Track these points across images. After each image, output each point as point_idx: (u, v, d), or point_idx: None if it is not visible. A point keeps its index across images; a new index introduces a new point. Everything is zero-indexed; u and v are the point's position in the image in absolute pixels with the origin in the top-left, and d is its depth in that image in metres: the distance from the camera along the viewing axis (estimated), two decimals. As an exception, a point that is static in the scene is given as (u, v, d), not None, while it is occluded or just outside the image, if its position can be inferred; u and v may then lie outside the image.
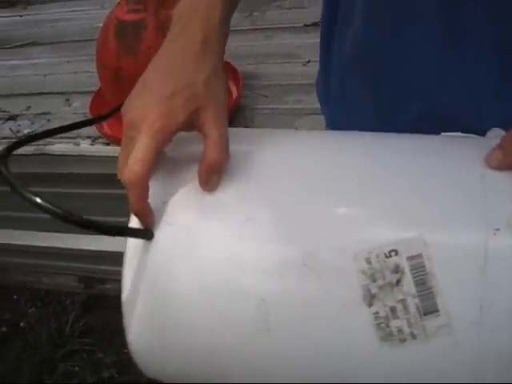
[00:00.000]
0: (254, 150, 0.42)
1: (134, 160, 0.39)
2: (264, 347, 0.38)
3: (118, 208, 1.26)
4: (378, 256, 0.35)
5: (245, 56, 1.22)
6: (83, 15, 1.50)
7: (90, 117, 1.12)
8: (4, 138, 1.18)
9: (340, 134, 0.48)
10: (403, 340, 0.35)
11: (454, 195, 0.37)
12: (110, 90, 1.06)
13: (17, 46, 1.45)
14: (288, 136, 0.47)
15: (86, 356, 1.41)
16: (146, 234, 0.40)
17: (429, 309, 0.34)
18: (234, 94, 1.11)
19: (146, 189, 0.40)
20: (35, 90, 1.28)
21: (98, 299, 1.50)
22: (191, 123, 0.41)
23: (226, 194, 0.40)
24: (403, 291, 0.35)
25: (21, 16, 1.57)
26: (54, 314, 1.51)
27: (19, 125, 1.20)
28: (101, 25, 1.07)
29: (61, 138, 1.13)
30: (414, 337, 0.35)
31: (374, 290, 0.35)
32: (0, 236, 1.45)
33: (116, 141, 1.07)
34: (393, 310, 0.35)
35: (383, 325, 0.35)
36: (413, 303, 0.35)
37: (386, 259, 0.35)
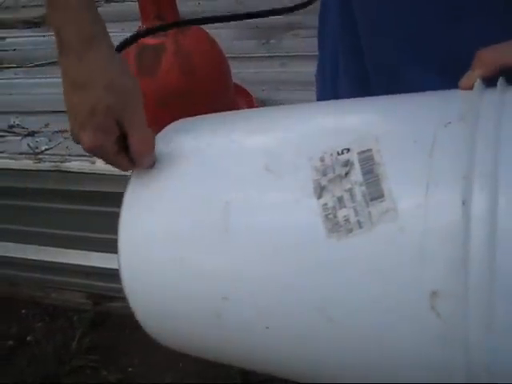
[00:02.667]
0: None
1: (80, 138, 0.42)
2: (225, 246, 0.40)
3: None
4: (331, 154, 0.38)
5: (260, 82, 1.25)
6: (104, 37, 1.53)
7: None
8: (21, 153, 1.20)
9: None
10: (350, 230, 0.36)
11: (407, 102, 0.40)
12: (128, 111, 1.09)
13: (38, 65, 1.48)
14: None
15: (90, 373, 1.41)
16: None
17: (374, 195, 0.36)
18: (248, 119, 1.14)
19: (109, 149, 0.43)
20: (54, 108, 1.31)
21: (106, 317, 1.50)
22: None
23: None
24: (351, 181, 0.36)
25: (44, 36, 1.60)
26: (61, 330, 1.52)
27: (37, 141, 1.23)
28: (121, 47, 1.10)
29: (77, 155, 1.16)
30: (360, 225, 0.35)
31: (323, 183, 0.37)
32: (11, 250, 1.47)
33: (131, 160, 1.09)
34: (340, 199, 0.36)
35: (331, 215, 0.36)
36: (359, 191, 0.36)
37: (338, 156, 0.37)
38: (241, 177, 0.41)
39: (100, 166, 1.13)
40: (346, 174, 0.37)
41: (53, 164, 1.16)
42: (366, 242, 0.35)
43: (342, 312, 0.37)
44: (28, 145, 1.22)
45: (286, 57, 1.33)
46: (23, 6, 1.76)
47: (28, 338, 1.52)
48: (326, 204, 0.36)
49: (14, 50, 1.58)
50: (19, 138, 1.25)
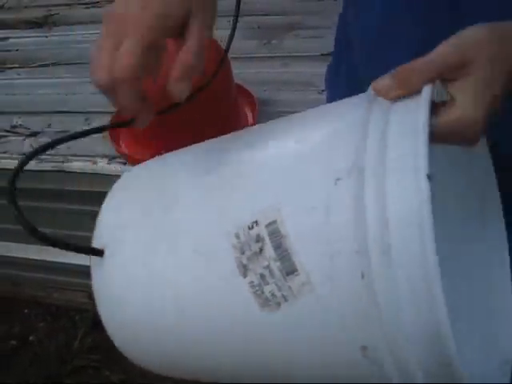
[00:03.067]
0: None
1: (124, 54, 0.39)
2: (178, 328, 0.42)
3: None
4: (244, 230, 0.38)
5: (261, 83, 1.25)
6: (106, 38, 1.54)
7: (107, 137, 1.15)
8: (24, 153, 1.21)
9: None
10: (278, 304, 0.37)
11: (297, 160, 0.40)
12: (129, 111, 1.09)
13: (40, 66, 1.49)
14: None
15: (92, 372, 1.42)
16: (97, 251, 0.44)
17: (289, 269, 0.36)
18: (250, 120, 1.14)
19: (137, 84, 0.41)
20: (56, 109, 1.32)
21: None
22: (182, 24, 0.41)
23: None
24: (266, 257, 0.37)
25: (46, 37, 1.61)
26: (63, 330, 1.53)
27: (39, 141, 1.23)
28: (123, 48, 1.10)
29: (79, 156, 1.16)
30: (285, 298, 0.37)
31: (244, 262, 0.38)
32: (13, 250, 1.48)
33: (133, 161, 1.10)
34: (262, 276, 0.37)
35: (259, 292, 0.37)
36: (275, 267, 0.37)
37: (250, 231, 0.38)
38: (175, 263, 0.42)
39: (102, 166, 1.13)
40: (261, 250, 0.37)
41: (55, 164, 1.16)
42: (294, 313, 0.37)
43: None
44: (30, 145, 1.22)
45: (287, 57, 1.33)
46: (26, 7, 1.77)
47: (30, 338, 1.52)
48: (252, 282, 0.38)
49: (17, 50, 1.58)
50: (22, 138, 1.26)
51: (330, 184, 0.36)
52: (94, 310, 1.51)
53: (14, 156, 1.20)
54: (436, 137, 0.36)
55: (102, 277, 0.45)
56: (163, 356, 0.45)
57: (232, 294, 0.39)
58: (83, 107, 1.30)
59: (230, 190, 0.42)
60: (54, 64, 1.49)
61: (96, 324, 1.51)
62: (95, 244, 0.46)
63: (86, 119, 1.26)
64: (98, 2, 1.71)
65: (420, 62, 0.38)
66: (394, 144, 0.34)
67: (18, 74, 1.47)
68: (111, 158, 1.13)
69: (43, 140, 1.23)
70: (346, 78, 0.67)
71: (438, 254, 0.31)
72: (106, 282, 0.45)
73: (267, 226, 0.37)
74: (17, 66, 1.51)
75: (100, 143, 1.17)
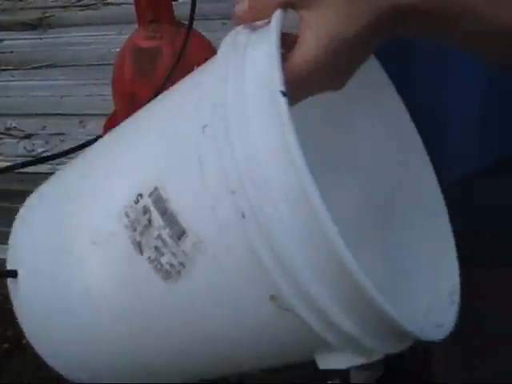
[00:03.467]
0: None
1: None
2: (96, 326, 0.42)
3: None
4: (131, 206, 0.38)
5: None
6: (101, 40, 1.54)
7: (103, 139, 1.15)
8: (18, 156, 1.21)
9: None
10: (178, 272, 0.36)
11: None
12: (124, 113, 1.09)
13: (35, 68, 1.49)
14: None
15: (86, 376, 1.41)
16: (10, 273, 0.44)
17: (178, 233, 0.36)
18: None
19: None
20: (51, 111, 1.32)
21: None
22: None
23: None
24: (156, 227, 0.36)
25: (41, 39, 1.60)
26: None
27: (34, 144, 1.23)
28: (118, 50, 1.10)
29: (74, 158, 1.16)
30: (183, 265, 0.36)
31: (138, 238, 0.37)
32: (4, 252, 1.47)
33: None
34: (157, 248, 0.37)
35: (158, 265, 0.37)
36: (166, 234, 0.36)
37: (137, 205, 0.37)
38: (77, 256, 0.42)
39: (96, 168, 1.13)
40: (149, 221, 0.37)
41: (49, 167, 1.15)
42: (196, 278, 0.36)
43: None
44: (24, 147, 1.22)
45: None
46: (21, 9, 1.76)
47: (24, 341, 1.51)
48: (149, 257, 0.37)
49: (12, 52, 1.58)
50: (16, 140, 1.26)
51: (198, 134, 0.35)
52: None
53: (9, 158, 1.20)
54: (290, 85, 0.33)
55: (17, 296, 0.46)
56: (84, 357, 0.44)
57: (135, 276, 0.38)
58: (78, 109, 1.30)
59: (111, 173, 0.42)
60: (48, 66, 1.49)
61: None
62: (9, 266, 0.46)
63: (81, 121, 1.26)
64: (93, 5, 1.71)
65: None
66: (251, 77, 0.34)
67: (13, 76, 1.47)
68: (106, 161, 1.13)
69: (37, 142, 1.24)
70: None
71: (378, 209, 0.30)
72: (22, 301, 0.46)
73: (150, 195, 0.37)
74: (11, 67, 1.51)
75: (95, 145, 1.17)
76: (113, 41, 1.49)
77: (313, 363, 0.38)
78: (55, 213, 0.45)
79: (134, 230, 0.37)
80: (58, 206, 0.46)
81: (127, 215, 0.38)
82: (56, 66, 1.47)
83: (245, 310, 0.36)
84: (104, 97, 1.27)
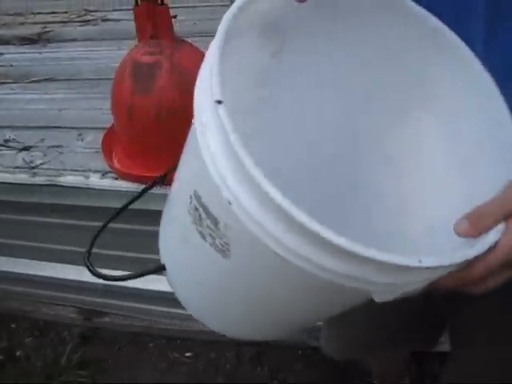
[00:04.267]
0: None
1: None
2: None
3: (123, 242, 1.29)
4: (189, 205, 0.47)
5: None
6: (100, 55, 1.56)
7: (101, 151, 1.17)
8: (17, 167, 1.22)
9: None
10: (228, 249, 0.44)
11: None
12: (123, 127, 1.11)
13: (34, 81, 1.50)
14: None
15: (80, 388, 1.41)
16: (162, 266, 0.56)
17: (214, 221, 0.44)
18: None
19: None
20: (50, 124, 1.33)
21: (97, 332, 1.51)
22: None
23: None
24: (204, 219, 0.45)
25: (40, 53, 1.63)
26: (51, 345, 1.52)
27: (32, 156, 1.24)
28: (117, 65, 1.12)
29: (72, 170, 1.17)
30: (228, 244, 0.44)
31: (199, 229, 0.46)
32: (2, 264, 1.48)
33: (125, 176, 1.11)
34: (210, 235, 0.45)
35: (216, 247, 0.45)
36: (209, 223, 0.44)
37: (190, 205, 0.46)
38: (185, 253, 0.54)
39: (94, 180, 1.14)
40: (200, 216, 0.45)
41: (47, 178, 1.17)
42: (239, 254, 0.44)
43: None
44: (23, 159, 1.23)
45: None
46: (21, 23, 1.79)
47: (17, 353, 1.51)
48: (210, 242, 0.45)
49: (11, 65, 1.59)
50: (14, 152, 1.27)
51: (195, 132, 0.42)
52: (82, 324, 1.51)
53: (7, 169, 1.21)
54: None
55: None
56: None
57: (211, 256, 0.46)
58: (76, 122, 1.31)
59: (179, 187, 0.52)
60: (47, 80, 1.50)
61: (84, 339, 1.50)
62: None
63: (79, 134, 1.28)
64: (92, 20, 1.74)
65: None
66: None
67: (12, 90, 1.49)
68: (104, 173, 1.15)
69: (36, 154, 1.25)
70: None
71: None
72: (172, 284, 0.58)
73: (194, 196, 0.45)
74: (11, 81, 1.52)
75: (93, 158, 1.19)
76: (112, 56, 1.51)
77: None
78: (171, 219, 0.56)
79: (196, 223, 0.46)
80: (168, 213, 0.57)
81: (189, 213, 0.46)
82: (55, 80, 1.49)
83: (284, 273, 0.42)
84: (102, 110, 1.29)
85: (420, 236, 0.54)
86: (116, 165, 1.13)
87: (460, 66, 0.51)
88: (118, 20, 1.71)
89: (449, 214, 0.46)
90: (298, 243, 0.38)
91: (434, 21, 0.52)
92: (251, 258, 0.43)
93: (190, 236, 0.48)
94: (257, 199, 0.38)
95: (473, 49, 0.51)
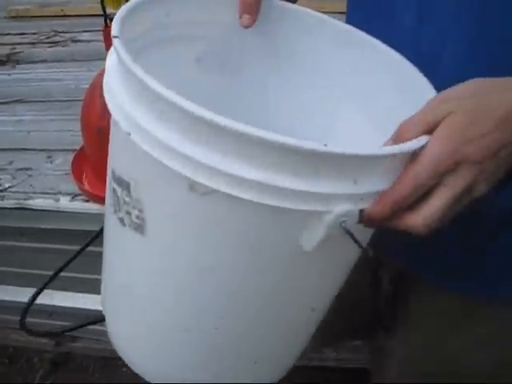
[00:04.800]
0: None
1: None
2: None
3: (94, 265, 1.27)
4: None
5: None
6: (70, 76, 1.55)
7: (70, 173, 1.15)
8: (-16, 190, 1.19)
9: None
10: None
11: None
12: (92, 148, 1.10)
13: (3, 103, 1.48)
14: None
15: (51, 416, 1.38)
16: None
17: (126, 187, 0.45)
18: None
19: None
20: (18, 146, 1.31)
21: (68, 358, 1.47)
22: None
23: None
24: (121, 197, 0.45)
25: (9, 75, 1.61)
26: (21, 372, 1.48)
27: (1, 178, 1.22)
28: (86, 86, 1.12)
29: (41, 193, 1.15)
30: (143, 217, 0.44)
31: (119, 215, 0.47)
32: (-30, 289, 1.44)
33: (95, 198, 1.10)
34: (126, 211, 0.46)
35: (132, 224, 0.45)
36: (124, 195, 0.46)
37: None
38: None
39: (64, 203, 1.13)
40: (117, 197, 0.46)
41: (17, 202, 1.15)
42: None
43: None
44: (-9, 182, 1.21)
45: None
46: (-10, 45, 1.77)
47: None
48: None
49: (-21, 87, 1.57)
50: (-18, 175, 1.24)
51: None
52: (53, 350, 1.48)
53: (-25, 193, 1.19)
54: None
55: None
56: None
57: (131, 244, 0.47)
58: (45, 144, 1.30)
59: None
60: (16, 101, 1.48)
61: (55, 365, 1.47)
62: None
63: (49, 156, 1.26)
64: (62, 42, 1.72)
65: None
66: None
67: (-20, 111, 1.47)
68: (74, 196, 1.13)
69: (5, 177, 1.22)
70: None
71: None
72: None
73: (112, 176, 0.47)
74: (-21, 103, 1.50)
75: (63, 180, 1.17)
76: (81, 77, 1.50)
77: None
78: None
79: (115, 211, 0.46)
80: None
81: (110, 204, 0.47)
82: (24, 102, 1.47)
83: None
84: (72, 132, 1.27)
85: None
86: (86, 187, 1.12)
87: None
88: (88, 41, 1.70)
89: None
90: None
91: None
92: (166, 217, 0.42)
93: (113, 233, 0.48)
94: (153, 114, 0.38)
95: None
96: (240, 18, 0.56)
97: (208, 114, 0.35)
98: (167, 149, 0.37)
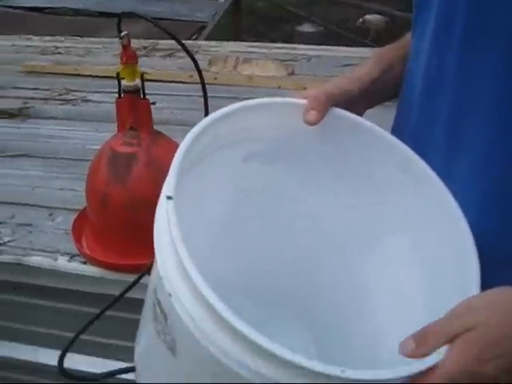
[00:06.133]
0: None
1: None
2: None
3: (111, 329, 1.26)
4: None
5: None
6: (78, 135, 1.59)
7: (70, 233, 1.18)
8: (-15, 242, 1.21)
9: None
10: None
11: None
12: (95, 213, 1.13)
13: (10, 156, 1.52)
14: None
15: None
16: None
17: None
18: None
19: None
20: (21, 201, 1.34)
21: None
22: None
23: None
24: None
25: (18, 128, 1.66)
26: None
27: (0, 232, 1.24)
28: (93, 147, 1.16)
29: (40, 250, 1.18)
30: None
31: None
32: None
33: (93, 261, 1.12)
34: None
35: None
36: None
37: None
38: None
39: (61, 263, 1.15)
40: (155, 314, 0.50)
41: (14, 257, 1.17)
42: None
43: None
44: (-9, 234, 1.24)
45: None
46: (2, 97, 1.82)
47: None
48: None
49: (-13, 138, 1.62)
50: (-17, 227, 1.27)
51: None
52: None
53: (-25, 245, 1.21)
54: None
55: None
56: None
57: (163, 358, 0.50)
58: (48, 202, 1.33)
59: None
60: (22, 155, 1.52)
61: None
62: None
63: (50, 214, 1.29)
64: (73, 100, 1.78)
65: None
66: None
67: (-14, 164, 1.50)
68: (72, 256, 1.15)
69: (5, 231, 1.25)
70: None
71: None
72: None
73: (154, 290, 0.51)
74: (-15, 155, 1.54)
75: (63, 240, 1.19)
76: (89, 137, 1.55)
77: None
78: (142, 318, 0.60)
79: (154, 320, 0.50)
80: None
81: (151, 309, 0.51)
82: (31, 157, 1.51)
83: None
84: (76, 192, 1.31)
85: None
86: (85, 249, 1.14)
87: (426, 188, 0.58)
88: (99, 102, 1.76)
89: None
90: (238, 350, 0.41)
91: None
92: (191, 353, 0.46)
93: (150, 333, 0.51)
94: (193, 296, 0.42)
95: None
96: (306, 113, 0.54)
97: (270, 347, 0.40)
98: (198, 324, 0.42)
